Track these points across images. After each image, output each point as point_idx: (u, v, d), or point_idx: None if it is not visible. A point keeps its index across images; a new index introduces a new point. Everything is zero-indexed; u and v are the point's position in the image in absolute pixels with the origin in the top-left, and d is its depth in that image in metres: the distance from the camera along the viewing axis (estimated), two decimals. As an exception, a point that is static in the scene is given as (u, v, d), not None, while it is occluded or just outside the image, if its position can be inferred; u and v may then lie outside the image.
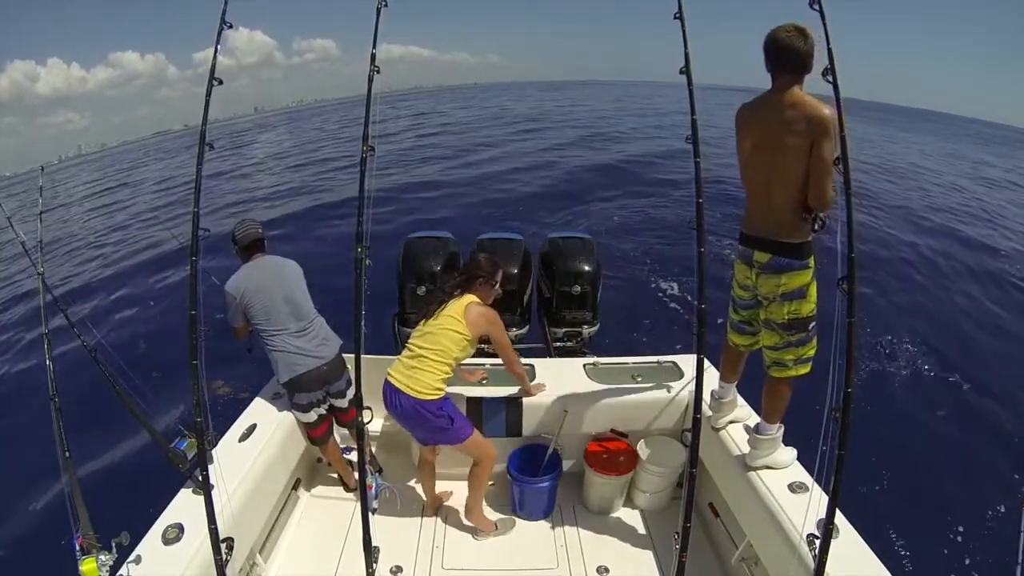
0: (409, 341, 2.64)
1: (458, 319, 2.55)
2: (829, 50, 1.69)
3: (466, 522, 2.87)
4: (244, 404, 2.90)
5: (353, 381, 1.96)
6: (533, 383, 2.94)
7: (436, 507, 2.97)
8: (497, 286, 2.79)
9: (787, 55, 1.95)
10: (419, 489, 3.04)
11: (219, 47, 1.86)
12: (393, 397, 2.52)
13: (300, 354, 2.69)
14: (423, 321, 2.65)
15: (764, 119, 2.05)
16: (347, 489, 3.10)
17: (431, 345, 2.53)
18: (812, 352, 2.20)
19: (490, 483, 3.07)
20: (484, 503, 2.87)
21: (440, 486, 3.00)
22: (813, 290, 2.13)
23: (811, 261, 2.11)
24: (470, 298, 2.64)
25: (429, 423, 2.53)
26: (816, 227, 2.02)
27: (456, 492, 3.04)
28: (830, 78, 1.67)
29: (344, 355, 2.86)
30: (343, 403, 2.91)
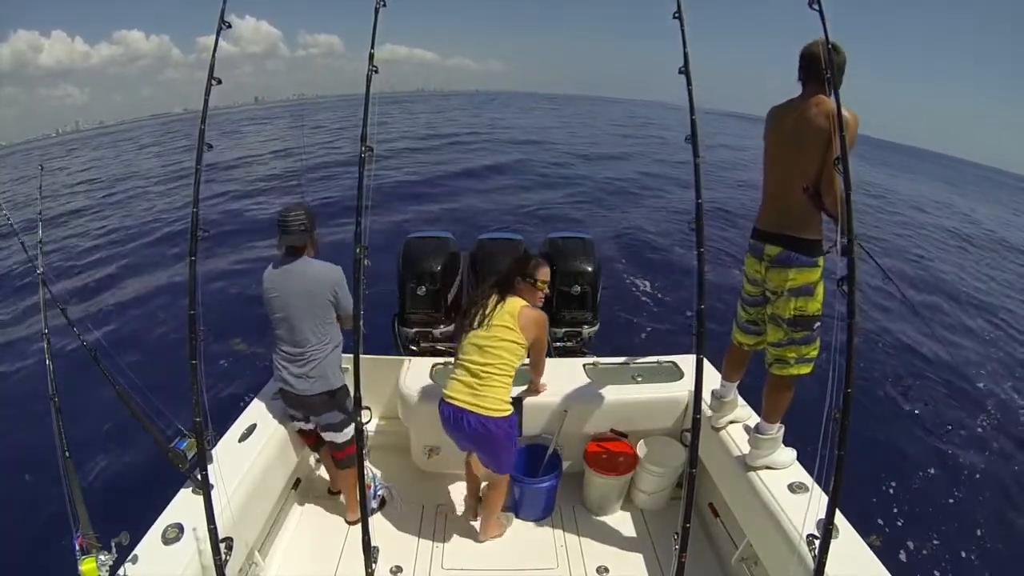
0: (460, 358, 2.49)
1: (512, 328, 2.42)
2: (829, 50, 1.70)
3: (468, 523, 2.87)
4: (244, 404, 2.90)
5: (352, 395, 1.84)
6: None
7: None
8: (539, 284, 2.56)
9: (818, 66, 1.99)
10: (419, 489, 3.04)
11: (218, 44, 1.87)
12: (458, 417, 2.40)
13: (280, 375, 2.60)
14: (464, 333, 2.49)
15: (789, 118, 2.12)
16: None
17: (493, 360, 2.40)
18: (814, 353, 2.20)
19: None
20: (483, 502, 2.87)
21: (443, 486, 3.00)
22: (821, 290, 2.14)
23: (821, 260, 2.13)
24: (519, 302, 2.49)
25: (498, 441, 2.45)
26: (834, 246, 2.02)
27: (458, 492, 3.05)
28: (829, 77, 1.68)
29: (344, 355, 2.84)
30: (332, 438, 2.71)
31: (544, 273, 2.58)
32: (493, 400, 2.39)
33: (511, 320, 2.43)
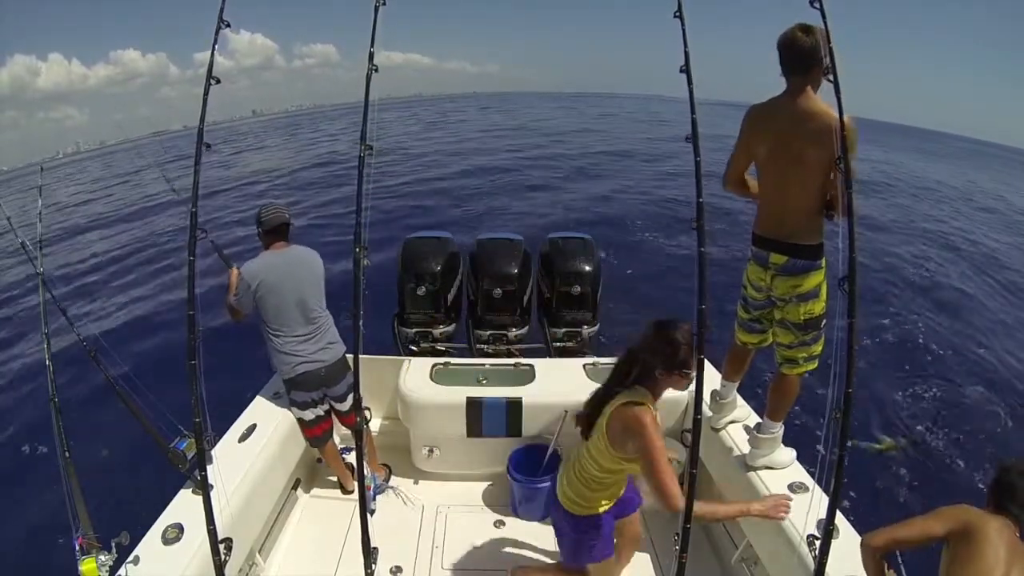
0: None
1: (601, 434, 1.89)
2: (830, 49, 1.69)
3: (468, 523, 2.87)
4: (244, 404, 2.90)
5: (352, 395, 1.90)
6: (533, 383, 2.93)
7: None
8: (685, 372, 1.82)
9: (790, 52, 1.96)
10: (419, 489, 3.03)
11: (217, 47, 1.86)
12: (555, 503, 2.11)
13: (301, 358, 2.67)
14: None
15: (780, 126, 2.03)
16: (344, 492, 3.10)
17: (580, 474, 1.98)
18: (820, 349, 2.22)
19: (489, 483, 3.07)
20: (483, 503, 2.86)
21: (443, 486, 2.99)
22: (824, 289, 2.14)
23: (823, 261, 2.12)
24: (621, 399, 1.87)
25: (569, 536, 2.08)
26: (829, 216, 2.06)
27: (458, 492, 3.05)
28: (831, 77, 1.67)
29: (345, 356, 2.85)
30: (343, 407, 2.88)
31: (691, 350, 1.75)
32: (581, 499, 2.00)
33: (602, 426, 1.89)
